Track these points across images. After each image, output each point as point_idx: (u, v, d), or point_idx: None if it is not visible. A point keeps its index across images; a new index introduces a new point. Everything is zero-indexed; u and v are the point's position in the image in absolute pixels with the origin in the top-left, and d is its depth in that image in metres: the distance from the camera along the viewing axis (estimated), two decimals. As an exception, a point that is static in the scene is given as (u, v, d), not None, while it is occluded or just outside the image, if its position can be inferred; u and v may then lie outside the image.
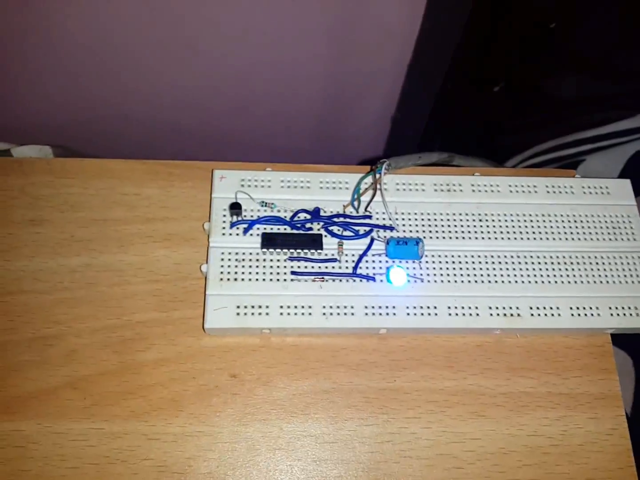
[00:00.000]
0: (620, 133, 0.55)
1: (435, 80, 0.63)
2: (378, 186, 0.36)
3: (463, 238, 0.37)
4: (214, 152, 0.73)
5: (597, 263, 0.37)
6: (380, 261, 0.36)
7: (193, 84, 0.62)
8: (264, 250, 0.35)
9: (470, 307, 0.35)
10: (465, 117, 0.66)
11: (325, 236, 0.36)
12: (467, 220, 0.37)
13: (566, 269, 0.37)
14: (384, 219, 0.37)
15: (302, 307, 0.34)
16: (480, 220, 0.37)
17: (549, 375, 0.35)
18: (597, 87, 0.58)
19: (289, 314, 0.34)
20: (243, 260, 0.35)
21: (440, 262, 0.36)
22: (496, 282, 0.36)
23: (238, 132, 0.72)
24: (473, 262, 0.36)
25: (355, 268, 0.35)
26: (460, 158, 0.39)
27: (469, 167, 0.40)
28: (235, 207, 0.35)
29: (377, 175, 0.36)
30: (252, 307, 0.34)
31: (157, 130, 0.66)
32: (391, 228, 0.36)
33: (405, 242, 0.34)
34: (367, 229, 0.36)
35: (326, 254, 0.35)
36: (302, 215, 0.36)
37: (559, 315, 0.35)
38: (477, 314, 0.35)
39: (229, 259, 0.35)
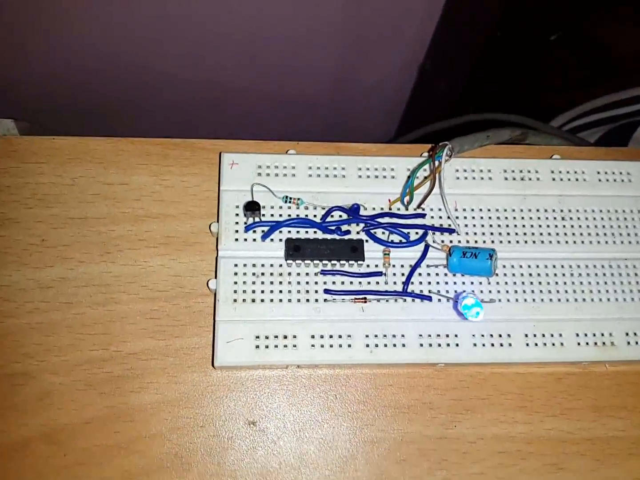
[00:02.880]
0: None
1: (479, 24, 0.53)
2: (437, 176, 0.28)
3: (542, 242, 0.29)
4: (217, 107, 0.64)
5: None
6: (437, 274, 0.28)
7: (194, 30, 0.52)
8: (289, 261, 0.27)
9: (553, 335, 0.27)
10: (511, 70, 0.56)
11: (367, 241, 0.28)
12: (547, 218, 0.29)
13: (670, 281, 0.29)
14: (440, 217, 0.29)
15: (340, 336, 0.26)
16: (563, 219, 0.29)
17: (644, 415, 0.28)
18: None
19: (322, 345, 0.26)
20: (262, 274, 0.27)
21: (514, 274, 0.28)
22: (584, 300, 0.28)
23: (244, 83, 0.62)
24: (555, 275, 0.28)
25: (406, 284, 0.27)
26: (535, 134, 0.31)
27: (546, 147, 0.32)
28: (252, 208, 0.27)
29: (437, 163, 0.27)
30: (276, 337, 0.26)
31: (148, 87, 0.56)
32: (451, 230, 0.28)
33: (474, 254, 0.26)
34: (420, 232, 0.28)
35: (368, 266, 0.28)
36: (337, 215, 0.28)
37: (662, 342, 0.28)
38: (562, 344, 0.27)
39: (244, 273, 0.27)
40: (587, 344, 0.27)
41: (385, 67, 0.64)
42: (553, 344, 0.27)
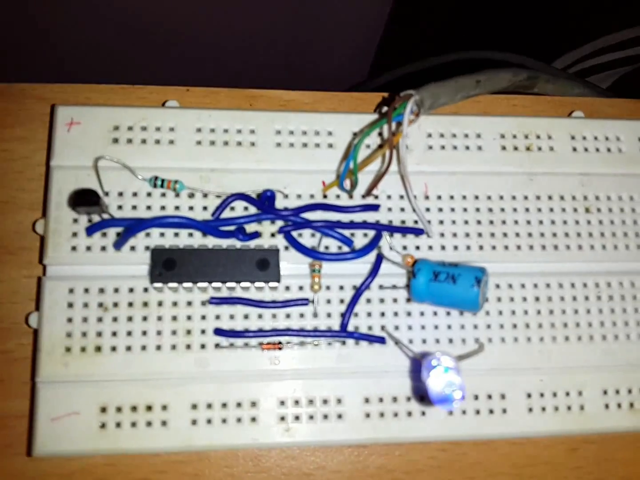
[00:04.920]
0: None
1: None
2: (396, 147, 0.17)
3: (555, 248, 0.19)
4: (161, 48, 0.52)
5: None
6: (395, 300, 0.18)
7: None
8: (158, 284, 0.17)
9: (568, 394, 0.18)
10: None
11: (287, 249, 0.18)
12: (564, 210, 0.19)
13: None
14: (402, 209, 0.19)
15: (239, 404, 0.17)
16: (587, 211, 0.19)
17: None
18: None
19: (209, 420, 0.16)
20: (115, 305, 0.17)
21: (512, 299, 0.18)
22: (616, 338, 0.18)
23: (186, 21, 0.50)
24: (575, 299, 0.19)
25: (346, 318, 0.17)
26: (549, 79, 0.20)
27: (562, 98, 0.21)
28: (86, 201, 0.16)
29: (395, 125, 0.17)
30: (134, 408, 0.16)
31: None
32: (418, 231, 0.18)
33: (452, 275, 0.16)
34: (371, 233, 0.18)
35: (288, 289, 0.17)
36: (238, 207, 0.18)
37: None
38: (582, 407, 0.18)
39: (85, 304, 0.17)
40: (619, 406, 0.18)
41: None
42: (569, 408, 0.18)
